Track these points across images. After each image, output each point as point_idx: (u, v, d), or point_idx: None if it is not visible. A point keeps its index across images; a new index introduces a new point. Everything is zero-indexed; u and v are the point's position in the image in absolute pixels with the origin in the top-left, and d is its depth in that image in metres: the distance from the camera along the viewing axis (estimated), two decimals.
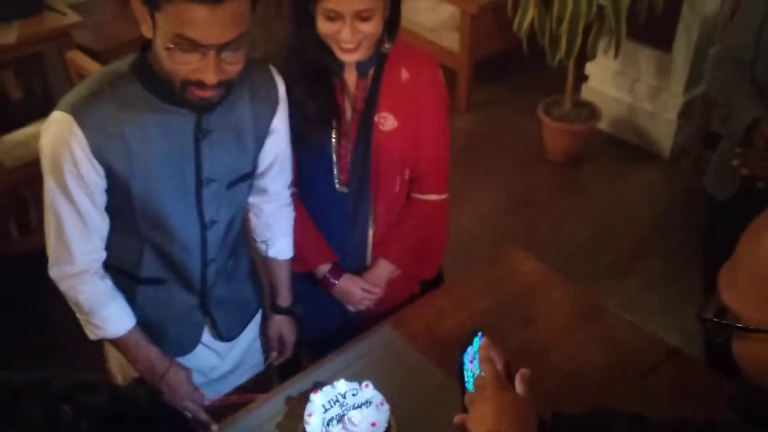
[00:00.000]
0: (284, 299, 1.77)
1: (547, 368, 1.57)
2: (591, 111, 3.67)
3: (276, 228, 1.69)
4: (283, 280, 1.75)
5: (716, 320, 0.91)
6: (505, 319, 1.71)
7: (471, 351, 1.21)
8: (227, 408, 1.59)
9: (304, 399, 1.49)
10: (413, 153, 1.70)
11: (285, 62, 1.55)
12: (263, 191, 1.62)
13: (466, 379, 1.20)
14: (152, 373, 1.55)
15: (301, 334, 1.83)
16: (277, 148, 1.55)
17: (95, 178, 1.34)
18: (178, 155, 1.38)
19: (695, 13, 3.36)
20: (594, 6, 3.09)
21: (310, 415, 1.43)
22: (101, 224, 1.43)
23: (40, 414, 0.62)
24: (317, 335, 1.85)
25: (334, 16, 1.45)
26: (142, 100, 1.32)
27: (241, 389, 1.74)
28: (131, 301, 1.54)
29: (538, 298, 1.79)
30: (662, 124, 3.66)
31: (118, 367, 1.66)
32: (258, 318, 1.80)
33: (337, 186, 1.69)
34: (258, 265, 1.78)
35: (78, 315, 1.52)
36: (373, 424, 1.40)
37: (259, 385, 1.80)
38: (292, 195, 1.70)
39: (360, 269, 1.81)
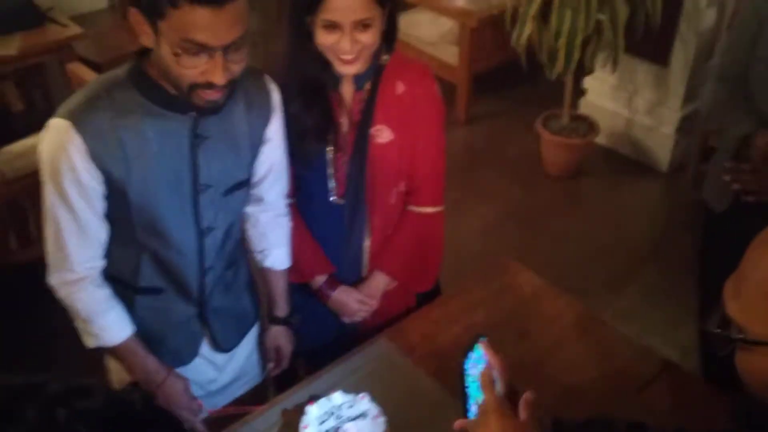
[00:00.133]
0: (281, 310, 1.78)
1: (542, 381, 1.57)
2: (589, 125, 3.69)
3: (272, 238, 1.70)
4: (279, 291, 1.76)
5: (720, 332, 0.91)
6: (501, 331, 1.71)
7: (473, 357, 1.22)
8: (224, 420, 1.59)
9: (299, 411, 1.49)
10: (409, 165, 1.71)
11: (283, 77, 1.57)
12: (259, 200, 1.63)
13: (467, 385, 1.21)
14: (149, 383, 1.55)
15: (298, 345, 1.83)
16: (272, 156, 1.57)
17: (93, 184, 1.36)
18: (174, 161, 1.40)
19: (692, 28, 3.38)
20: (592, 20, 3.11)
21: (305, 428, 1.43)
22: (99, 231, 1.44)
23: (36, 416, 0.62)
24: (314, 346, 1.86)
25: (333, 27, 1.46)
26: (138, 106, 1.34)
27: (239, 401, 1.75)
28: (130, 311, 1.55)
29: (533, 311, 1.79)
30: (660, 138, 3.68)
31: (119, 383, 1.66)
32: (255, 330, 1.81)
33: (334, 198, 1.70)
34: (256, 277, 1.79)
35: (76, 322, 1.52)
36: None
37: (257, 396, 1.80)
38: (289, 206, 1.71)
39: (356, 281, 1.82)
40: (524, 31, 3.28)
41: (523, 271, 1.91)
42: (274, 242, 1.70)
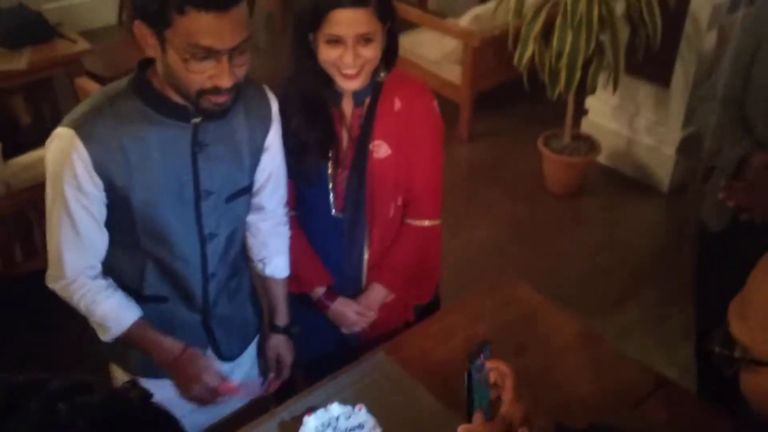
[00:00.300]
0: (281, 319, 1.80)
1: (540, 395, 1.58)
2: (590, 144, 3.71)
3: (272, 246, 1.72)
4: (280, 300, 1.78)
5: (724, 352, 0.92)
6: (499, 346, 1.71)
7: (478, 362, 1.24)
8: (223, 428, 1.60)
9: (297, 422, 1.51)
10: (406, 179, 1.74)
11: (285, 93, 1.61)
12: (260, 209, 1.66)
13: (472, 390, 1.24)
14: (168, 363, 1.56)
15: (297, 356, 1.84)
16: (271, 164, 1.60)
17: (94, 191, 1.39)
18: (176, 167, 1.43)
19: (693, 50, 3.42)
20: (593, 41, 3.14)
21: None
22: (98, 239, 1.47)
23: (37, 411, 0.64)
24: (313, 357, 1.87)
25: (335, 42, 1.50)
26: (140, 114, 1.38)
27: (240, 413, 1.75)
28: None
29: (532, 326, 1.81)
30: (661, 158, 3.70)
31: None
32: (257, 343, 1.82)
33: (333, 212, 1.73)
34: (257, 287, 1.81)
35: (90, 322, 1.54)
36: None
37: (257, 407, 1.81)
38: (290, 218, 1.74)
39: (355, 292, 1.84)
40: (526, 51, 3.32)
41: (523, 287, 1.93)
42: (274, 251, 1.72)
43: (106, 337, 1.54)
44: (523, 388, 1.27)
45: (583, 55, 3.16)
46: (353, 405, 1.51)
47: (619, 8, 3.24)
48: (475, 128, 4.16)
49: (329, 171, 1.69)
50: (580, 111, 3.89)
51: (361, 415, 1.49)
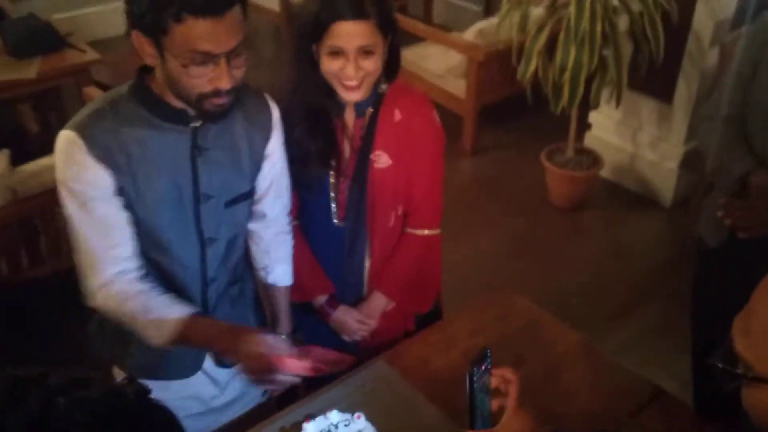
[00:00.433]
0: (284, 327, 1.81)
1: (538, 406, 1.58)
2: (593, 158, 3.73)
3: (275, 254, 1.74)
4: (283, 308, 1.80)
5: (727, 368, 0.92)
6: (498, 356, 1.73)
7: (481, 368, 1.26)
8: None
9: (297, 429, 1.52)
10: (406, 189, 1.76)
11: (288, 105, 1.63)
12: (262, 216, 1.68)
13: (474, 396, 1.24)
14: (228, 349, 1.50)
15: None
16: (273, 171, 1.62)
17: (103, 181, 1.39)
18: (175, 170, 1.45)
19: (696, 66, 3.44)
20: (596, 57, 3.16)
21: None
22: (122, 226, 1.44)
23: (36, 404, 0.66)
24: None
25: (337, 54, 1.53)
26: (140, 118, 1.41)
27: (242, 421, 1.76)
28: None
29: (530, 338, 1.82)
30: (664, 173, 3.71)
31: None
32: None
33: (335, 221, 1.76)
34: (261, 295, 1.83)
35: (135, 328, 1.49)
36: None
37: (260, 415, 1.82)
38: (293, 227, 1.76)
39: (356, 301, 1.86)
40: (530, 66, 3.35)
41: (522, 299, 1.94)
42: (276, 258, 1.74)
43: (158, 339, 1.47)
44: (524, 398, 1.28)
45: (586, 71, 3.19)
46: (352, 413, 1.52)
47: (622, 24, 3.27)
48: (479, 142, 4.18)
49: (331, 180, 1.72)
50: (584, 125, 3.92)
51: (360, 422, 1.50)
